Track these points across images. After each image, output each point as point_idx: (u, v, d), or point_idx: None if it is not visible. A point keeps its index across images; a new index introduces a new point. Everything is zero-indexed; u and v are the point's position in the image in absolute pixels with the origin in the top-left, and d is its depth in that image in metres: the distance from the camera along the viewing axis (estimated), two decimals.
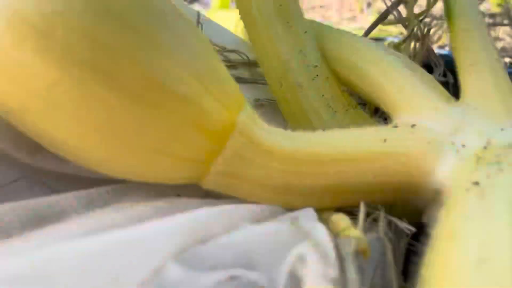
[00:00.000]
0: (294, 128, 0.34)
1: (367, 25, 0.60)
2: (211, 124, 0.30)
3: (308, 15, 0.48)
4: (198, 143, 0.30)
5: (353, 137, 0.33)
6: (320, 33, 0.45)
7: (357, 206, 0.31)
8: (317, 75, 0.42)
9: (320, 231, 0.24)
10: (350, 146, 0.33)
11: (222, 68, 0.32)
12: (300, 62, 0.42)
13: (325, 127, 0.36)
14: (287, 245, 0.24)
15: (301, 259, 0.22)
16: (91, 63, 0.26)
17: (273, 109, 0.48)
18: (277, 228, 0.26)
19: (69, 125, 0.27)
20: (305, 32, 0.44)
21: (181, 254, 0.23)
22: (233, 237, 0.24)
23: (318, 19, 0.86)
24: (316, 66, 0.42)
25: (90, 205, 0.32)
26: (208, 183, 0.32)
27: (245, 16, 0.44)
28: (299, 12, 0.45)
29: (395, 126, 0.35)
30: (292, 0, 0.44)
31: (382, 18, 0.57)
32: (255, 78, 0.53)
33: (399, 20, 0.54)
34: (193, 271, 0.22)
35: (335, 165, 0.32)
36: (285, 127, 0.34)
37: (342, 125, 0.40)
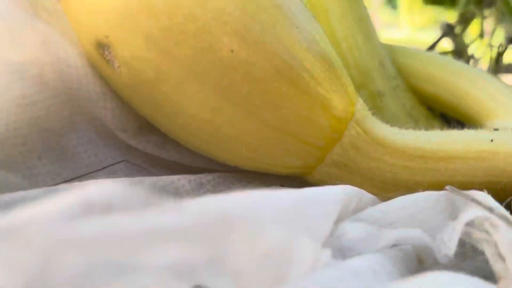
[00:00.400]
0: None
1: None
2: (336, 109, 0.30)
3: None
4: (322, 127, 0.30)
5: (461, 136, 0.33)
6: (391, 49, 0.46)
7: None
8: (397, 85, 0.43)
9: (487, 197, 0.24)
10: (460, 144, 0.33)
11: (337, 57, 0.32)
12: (381, 72, 0.43)
13: None
14: (445, 212, 0.24)
15: (471, 224, 0.22)
16: (242, 33, 0.26)
17: None
18: (435, 195, 0.25)
19: (207, 97, 0.27)
20: (381, 45, 0.45)
21: (347, 217, 0.22)
22: (389, 205, 0.24)
23: None
24: (395, 77, 0.43)
25: (201, 189, 0.31)
26: (319, 174, 0.32)
27: (324, 27, 0.45)
28: (374, 27, 0.46)
29: (496, 129, 0.35)
30: (368, 15, 0.45)
31: (433, 46, 0.59)
32: None
33: (456, 48, 0.56)
34: (376, 227, 0.21)
35: (446, 162, 0.32)
36: None
37: None
